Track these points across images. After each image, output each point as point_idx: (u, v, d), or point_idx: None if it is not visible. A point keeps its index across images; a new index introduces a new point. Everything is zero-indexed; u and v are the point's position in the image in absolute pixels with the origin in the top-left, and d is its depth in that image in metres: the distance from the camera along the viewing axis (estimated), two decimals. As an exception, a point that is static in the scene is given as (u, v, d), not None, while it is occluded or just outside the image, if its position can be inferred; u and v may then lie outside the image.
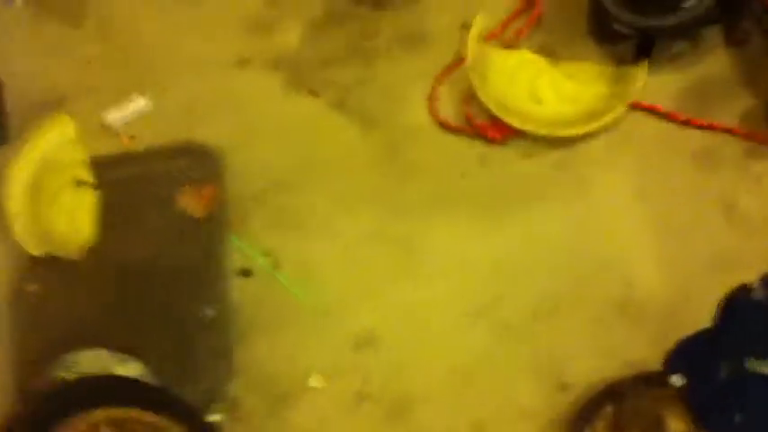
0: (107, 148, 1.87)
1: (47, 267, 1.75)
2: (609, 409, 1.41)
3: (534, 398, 1.53)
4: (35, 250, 1.75)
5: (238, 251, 1.74)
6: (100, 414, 1.21)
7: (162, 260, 1.75)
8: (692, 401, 1.17)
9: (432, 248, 1.69)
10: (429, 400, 1.56)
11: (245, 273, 1.72)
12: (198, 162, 1.81)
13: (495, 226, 1.68)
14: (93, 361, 1.60)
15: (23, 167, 1.80)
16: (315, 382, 1.61)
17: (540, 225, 1.66)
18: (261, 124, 1.85)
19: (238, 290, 1.71)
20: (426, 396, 1.57)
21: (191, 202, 1.78)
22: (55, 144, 1.84)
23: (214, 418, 1.58)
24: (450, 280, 1.65)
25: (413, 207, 1.72)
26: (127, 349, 1.62)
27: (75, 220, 1.79)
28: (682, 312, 1.50)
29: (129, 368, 1.59)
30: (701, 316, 1.19)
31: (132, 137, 1.88)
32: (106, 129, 1.89)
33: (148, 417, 1.31)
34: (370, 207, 1.74)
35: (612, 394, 1.42)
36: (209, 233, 1.77)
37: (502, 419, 1.53)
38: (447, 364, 1.58)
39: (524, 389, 1.54)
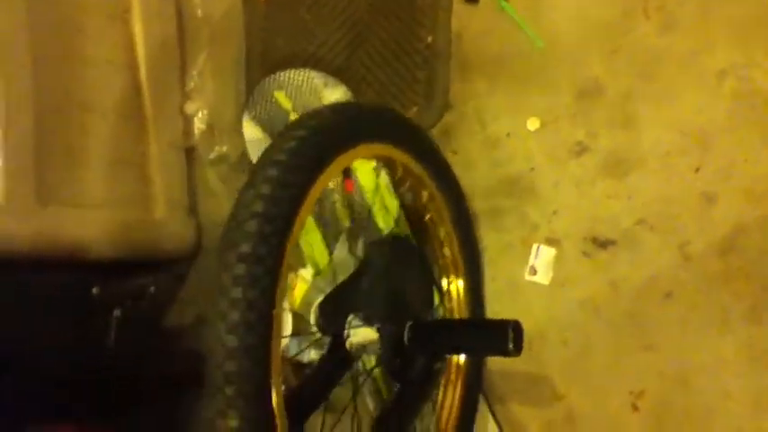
0: None
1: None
2: None
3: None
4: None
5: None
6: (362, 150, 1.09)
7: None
8: None
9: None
10: (655, 163, 1.45)
11: (470, -1, 1.59)
12: None
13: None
14: (304, 82, 1.61)
15: None
16: (532, 125, 1.53)
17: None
18: None
19: (461, 19, 1.59)
20: (652, 157, 1.45)
21: None
22: None
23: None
24: (695, 29, 1.44)
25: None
26: (337, 72, 1.60)
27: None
28: None
29: (337, 93, 1.59)
30: None
31: None
32: None
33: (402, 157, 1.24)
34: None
35: None
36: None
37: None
38: (680, 125, 1.43)
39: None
